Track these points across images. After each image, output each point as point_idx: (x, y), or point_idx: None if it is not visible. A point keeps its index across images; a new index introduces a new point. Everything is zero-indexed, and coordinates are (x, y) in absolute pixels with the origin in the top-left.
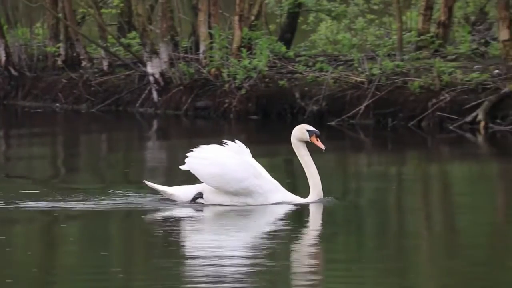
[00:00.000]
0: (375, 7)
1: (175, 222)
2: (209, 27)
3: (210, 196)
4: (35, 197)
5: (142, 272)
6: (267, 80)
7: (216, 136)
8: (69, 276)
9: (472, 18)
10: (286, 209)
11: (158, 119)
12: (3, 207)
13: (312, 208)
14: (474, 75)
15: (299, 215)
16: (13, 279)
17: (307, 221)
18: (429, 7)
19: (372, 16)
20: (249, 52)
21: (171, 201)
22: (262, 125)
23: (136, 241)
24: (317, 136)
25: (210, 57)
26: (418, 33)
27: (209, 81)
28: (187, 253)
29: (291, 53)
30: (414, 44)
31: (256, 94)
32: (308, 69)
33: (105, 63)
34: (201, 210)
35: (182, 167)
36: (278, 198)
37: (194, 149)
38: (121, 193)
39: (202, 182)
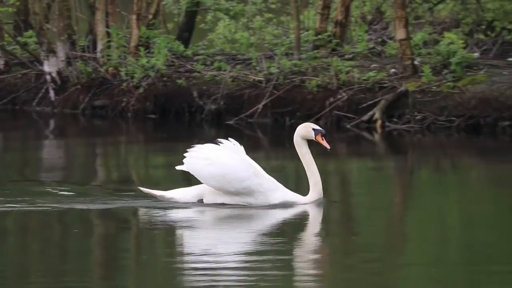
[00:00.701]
0: (273, 6)
1: (174, 223)
2: (107, 26)
3: (210, 197)
4: None
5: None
6: (165, 79)
7: (114, 135)
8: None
9: (369, 17)
10: (287, 208)
11: (55, 118)
12: None
13: (313, 207)
14: (371, 74)
15: (301, 214)
16: None
17: (309, 220)
18: (326, 6)
19: (270, 15)
20: (147, 51)
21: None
22: (160, 124)
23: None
24: (322, 135)
25: (108, 56)
26: (315, 32)
27: (106, 80)
28: (187, 252)
29: (189, 52)
30: (311, 43)
31: (154, 93)
32: (206, 68)
33: (1, 62)
34: (201, 211)
35: (179, 167)
36: (278, 196)
37: (190, 149)
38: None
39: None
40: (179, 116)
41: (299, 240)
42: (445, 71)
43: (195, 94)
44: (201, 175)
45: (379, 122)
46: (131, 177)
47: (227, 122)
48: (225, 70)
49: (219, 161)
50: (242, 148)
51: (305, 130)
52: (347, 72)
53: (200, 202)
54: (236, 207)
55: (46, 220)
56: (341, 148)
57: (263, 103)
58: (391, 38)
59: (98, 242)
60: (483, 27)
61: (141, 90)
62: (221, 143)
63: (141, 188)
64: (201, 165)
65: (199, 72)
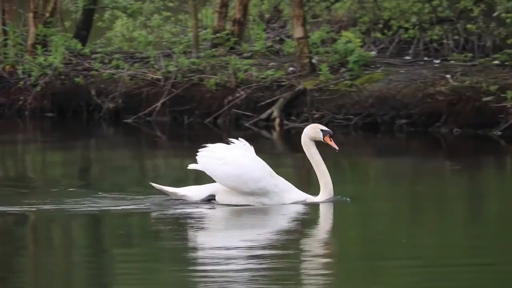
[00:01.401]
0: (171, 4)
1: (185, 221)
2: (3, 24)
3: (223, 196)
4: None
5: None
6: (62, 77)
7: (10, 134)
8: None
9: (267, 15)
10: (300, 208)
11: None
12: None
13: (325, 207)
14: (269, 72)
15: (314, 214)
16: None
17: (320, 220)
18: (224, 5)
19: (168, 14)
20: (44, 49)
21: (182, 202)
22: (58, 122)
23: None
24: (330, 136)
25: (5, 54)
26: (213, 30)
27: (3, 78)
28: (200, 252)
29: (86, 50)
30: (209, 42)
31: (52, 91)
32: (104, 66)
33: None
34: (214, 209)
35: (193, 166)
36: (292, 197)
37: (204, 149)
38: None
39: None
40: (77, 115)
41: (312, 239)
42: (343, 69)
43: (93, 92)
44: (216, 174)
45: (277, 121)
46: (27, 175)
47: (125, 121)
48: (123, 69)
49: (234, 160)
50: (252, 148)
51: (314, 131)
52: (246, 71)
53: (211, 197)
54: (247, 206)
55: None
56: None
57: (161, 101)
58: (289, 37)
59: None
60: (380, 25)
61: (38, 88)
62: (232, 142)
63: (153, 184)
64: (216, 164)
65: (97, 70)
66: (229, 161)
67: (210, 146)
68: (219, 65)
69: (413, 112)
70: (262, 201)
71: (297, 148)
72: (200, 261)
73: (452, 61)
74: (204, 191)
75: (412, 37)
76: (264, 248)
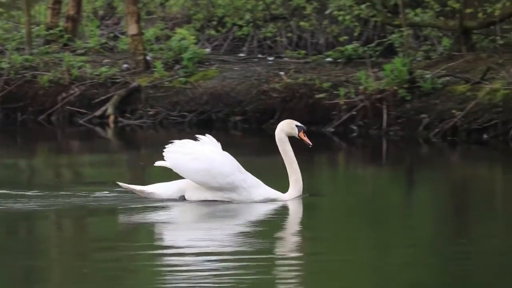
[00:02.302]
0: (3, 0)
1: (154, 219)
2: None
3: (192, 192)
4: None
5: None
6: None
7: None
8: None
9: (101, 12)
10: (270, 205)
11: None
12: None
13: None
14: (103, 69)
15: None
16: None
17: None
18: (57, 1)
19: (0, 10)
20: None
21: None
22: None
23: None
24: (304, 132)
25: None
26: (46, 27)
27: None
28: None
29: None
30: (43, 38)
31: None
32: None
33: None
34: (182, 206)
35: (160, 163)
36: (261, 193)
37: (170, 145)
38: None
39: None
40: None
41: (279, 239)
42: (177, 66)
43: None
44: (184, 170)
45: (112, 117)
46: None
47: None
48: None
49: (203, 155)
50: (219, 144)
51: (289, 126)
52: (79, 67)
53: (182, 198)
54: (218, 203)
55: None
56: (74, 143)
57: None
58: (123, 33)
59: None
60: (214, 23)
61: None
62: (199, 139)
63: (120, 183)
64: (184, 160)
65: None
66: (197, 156)
67: (177, 142)
68: (53, 61)
69: (248, 109)
70: (230, 196)
71: (132, 145)
72: (169, 259)
73: (286, 58)
74: (172, 188)
75: (246, 35)
76: (232, 245)
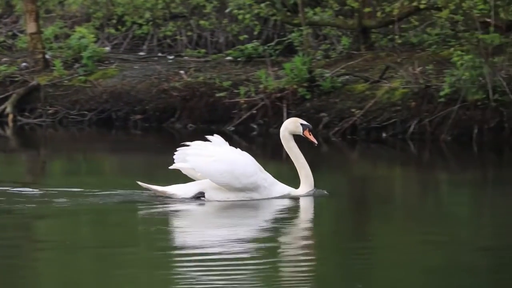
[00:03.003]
0: None
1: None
2: None
3: (213, 193)
4: None
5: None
6: None
7: None
8: None
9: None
10: (285, 202)
11: None
12: None
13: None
14: (2, 68)
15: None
16: None
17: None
18: None
19: None
20: None
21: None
22: None
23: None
24: (309, 130)
25: None
26: None
27: None
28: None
29: None
30: None
31: None
32: None
33: None
34: (203, 206)
35: (180, 165)
36: (278, 190)
37: (187, 148)
38: None
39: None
40: None
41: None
42: (77, 65)
43: None
44: (207, 172)
45: (10, 116)
46: None
47: None
48: None
49: (225, 157)
50: (227, 143)
51: (294, 125)
52: None
53: (200, 194)
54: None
55: None
56: None
57: None
58: (22, 32)
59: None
60: (114, 21)
61: None
62: (209, 140)
63: (140, 183)
64: (206, 162)
65: None
66: (220, 157)
67: (193, 144)
68: None
69: (148, 108)
70: (252, 196)
71: (31, 144)
72: (190, 258)
73: (186, 57)
74: (193, 189)
75: (146, 33)
76: (257, 242)
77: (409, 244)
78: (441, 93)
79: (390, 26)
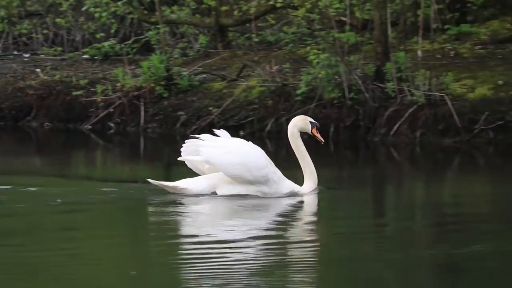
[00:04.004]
0: None
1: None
2: None
3: (224, 187)
4: None
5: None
6: None
7: None
8: None
9: None
10: (290, 199)
11: None
12: None
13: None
14: None
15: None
16: None
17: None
18: None
19: None
20: None
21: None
22: None
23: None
24: (317, 129)
25: None
26: None
27: None
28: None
29: None
30: None
31: None
32: None
33: None
34: (215, 201)
35: (192, 157)
36: (287, 186)
37: (198, 140)
38: None
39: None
40: None
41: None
42: None
43: None
44: (219, 164)
45: None
46: None
47: None
48: None
49: (237, 149)
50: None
51: (303, 122)
52: None
53: (214, 194)
54: (248, 197)
55: None
56: None
57: None
58: None
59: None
60: None
61: None
62: (216, 134)
63: (151, 180)
64: (219, 153)
65: None
66: (232, 149)
67: (203, 136)
68: None
69: (3, 106)
70: (262, 189)
71: None
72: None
73: (42, 55)
74: (204, 183)
75: (1, 31)
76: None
77: None
78: (298, 92)
79: (247, 25)
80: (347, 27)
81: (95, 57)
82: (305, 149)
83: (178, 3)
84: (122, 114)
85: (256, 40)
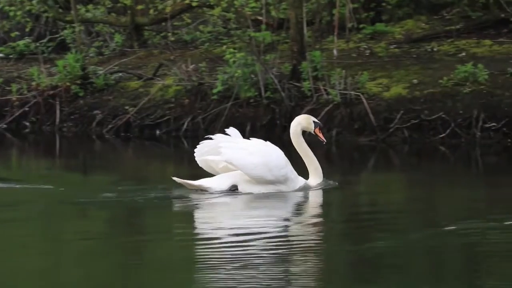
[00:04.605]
0: None
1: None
2: None
3: (245, 186)
4: None
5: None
6: None
7: None
8: None
9: None
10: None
11: None
12: None
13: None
14: None
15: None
16: None
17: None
18: None
19: None
20: None
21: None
22: None
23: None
24: (320, 128)
25: None
26: None
27: None
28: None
29: None
30: None
31: None
32: None
33: None
34: (236, 198)
35: (213, 157)
36: (300, 182)
37: (216, 141)
38: None
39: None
40: None
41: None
42: None
43: None
44: (241, 164)
45: None
46: None
47: None
48: None
49: (258, 150)
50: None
51: (307, 121)
52: None
53: (234, 188)
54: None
55: None
56: None
57: None
58: None
59: None
60: None
61: None
62: (228, 133)
63: (175, 178)
64: (240, 154)
65: None
66: (253, 150)
67: (216, 137)
68: None
69: None
70: (280, 188)
71: None
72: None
73: None
74: (226, 181)
75: None
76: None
77: None
78: (214, 91)
79: (163, 24)
80: (263, 26)
81: (10, 56)
82: (307, 146)
83: (94, 2)
84: (37, 113)
85: (172, 39)
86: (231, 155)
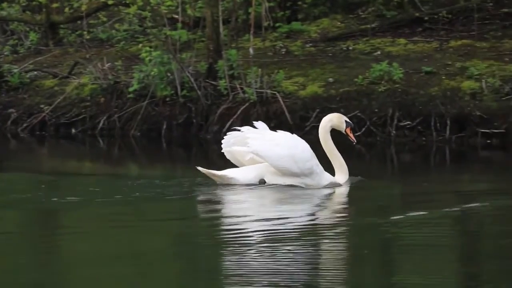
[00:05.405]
0: None
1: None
2: None
3: (270, 177)
4: None
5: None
6: None
7: None
8: None
9: None
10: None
11: None
12: None
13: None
14: None
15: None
16: None
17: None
18: None
19: None
20: None
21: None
22: None
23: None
24: (351, 129)
25: None
26: None
27: None
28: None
29: None
30: None
31: None
32: None
33: None
34: (263, 190)
35: (240, 149)
36: (326, 178)
37: (244, 133)
38: None
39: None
40: None
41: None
42: None
43: None
44: (268, 156)
45: None
46: None
47: None
48: None
49: (285, 141)
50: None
51: (339, 120)
52: None
53: (262, 181)
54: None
55: None
56: None
57: None
58: None
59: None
60: None
61: None
62: (255, 126)
63: (200, 168)
64: (267, 146)
65: None
66: (280, 142)
67: (244, 129)
68: None
69: None
70: (305, 181)
71: None
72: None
73: None
74: (252, 173)
75: None
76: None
77: None
78: (130, 89)
79: (79, 22)
80: (179, 25)
81: None
82: (332, 143)
83: (8, 0)
84: None
85: (88, 37)
86: (258, 146)
